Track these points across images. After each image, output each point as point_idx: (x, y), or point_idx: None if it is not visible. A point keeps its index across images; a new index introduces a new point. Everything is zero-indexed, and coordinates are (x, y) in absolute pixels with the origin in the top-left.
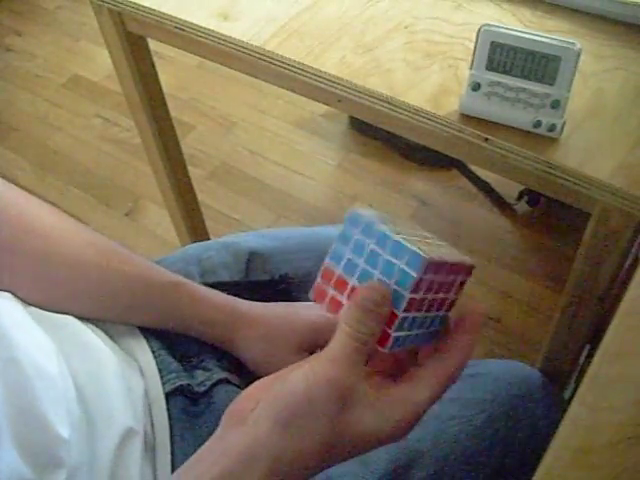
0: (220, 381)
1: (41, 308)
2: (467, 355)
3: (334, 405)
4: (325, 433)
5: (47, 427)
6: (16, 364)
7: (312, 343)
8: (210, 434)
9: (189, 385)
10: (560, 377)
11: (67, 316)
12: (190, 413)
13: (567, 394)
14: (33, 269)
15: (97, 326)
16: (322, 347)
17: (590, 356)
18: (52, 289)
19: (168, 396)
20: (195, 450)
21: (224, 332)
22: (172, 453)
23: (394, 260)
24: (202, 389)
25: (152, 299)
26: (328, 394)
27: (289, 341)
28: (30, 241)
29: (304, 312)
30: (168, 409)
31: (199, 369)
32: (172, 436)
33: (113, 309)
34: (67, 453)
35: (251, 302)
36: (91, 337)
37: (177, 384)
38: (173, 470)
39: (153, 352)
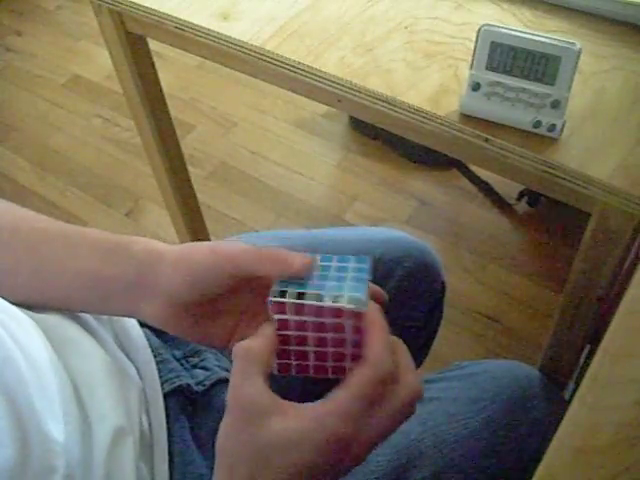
0: (219, 381)
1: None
2: (377, 351)
3: (239, 421)
4: (245, 450)
5: (43, 429)
6: (12, 363)
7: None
8: (209, 434)
9: (188, 385)
10: (560, 377)
11: (56, 315)
12: (189, 412)
13: (567, 394)
14: None
15: (93, 326)
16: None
17: (590, 356)
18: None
19: (167, 395)
20: (194, 449)
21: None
22: (170, 453)
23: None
24: (201, 389)
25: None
26: (233, 414)
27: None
28: None
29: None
30: (167, 408)
31: (199, 368)
32: (170, 436)
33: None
34: (62, 455)
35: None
36: (81, 335)
37: (176, 384)
38: (171, 470)
39: (153, 351)
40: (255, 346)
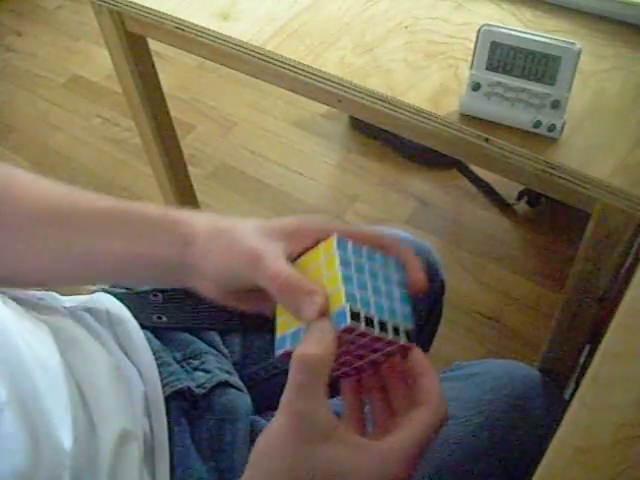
0: (220, 383)
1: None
2: (438, 397)
3: (292, 440)
4: (287, 467)
5: (53, 435)
6: (26, 372)
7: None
8: (209, 437)
9: (189, 388)
10: (560, 377)
11: (62, 317)
12: (189, 415)
13: (567, 394)
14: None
15: (95, 327)
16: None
17: (590, 356)
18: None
19: (168, 398)
20: (194, 453)
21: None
22: (170, 456)
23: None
24: (202, 392)
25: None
26: (287, 428)
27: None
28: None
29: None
30: (167, 412)
31: (199, 371)
32: (171, 439)
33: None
34: (69, 460)
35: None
36: (86, 337)
37: (177, 387)
38: (172, 473)
39: (154, 354)
40: (317, 356)
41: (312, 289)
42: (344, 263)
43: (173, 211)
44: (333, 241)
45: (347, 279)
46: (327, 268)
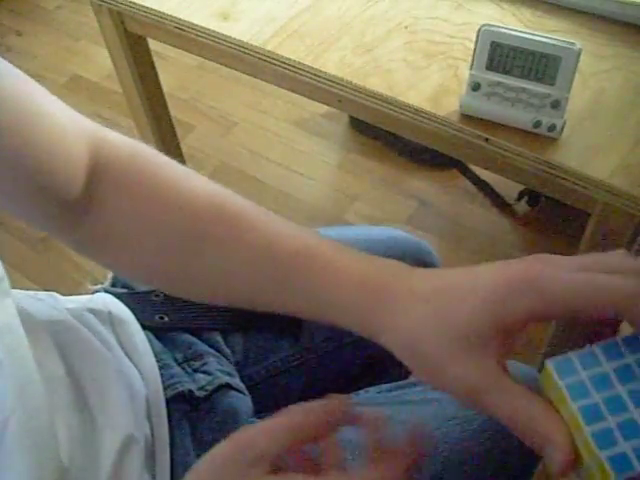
0: (221, 386)
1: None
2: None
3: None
4: None
5: (55, 449)
6: (33, 387)
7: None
8: (210, 439)
9: (190, 391)
10: None
11: (66, 320)
12: (190, 418)
13: None
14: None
15: (98, 328)
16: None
17: None
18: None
19: (169, 401)
20: (195, 456)
21: (364, 318)
22: (172, 459)
23: None
24: (203, 394)
25: (271, 274)
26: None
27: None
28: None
29: (490, 276)
30: (168, 414)
31: (200, 373)
32: (172, 441)
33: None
34: (70, 465)
35: (410, 271)
36: (89, 339)
37: (179, 389)
38: (172, 477)
39: (155, 356)
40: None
41: (552, 437)
42: (579, 398)
43: (365, 288)
44: (549, 370)
45: (594, 429)
46: (558, 403)
